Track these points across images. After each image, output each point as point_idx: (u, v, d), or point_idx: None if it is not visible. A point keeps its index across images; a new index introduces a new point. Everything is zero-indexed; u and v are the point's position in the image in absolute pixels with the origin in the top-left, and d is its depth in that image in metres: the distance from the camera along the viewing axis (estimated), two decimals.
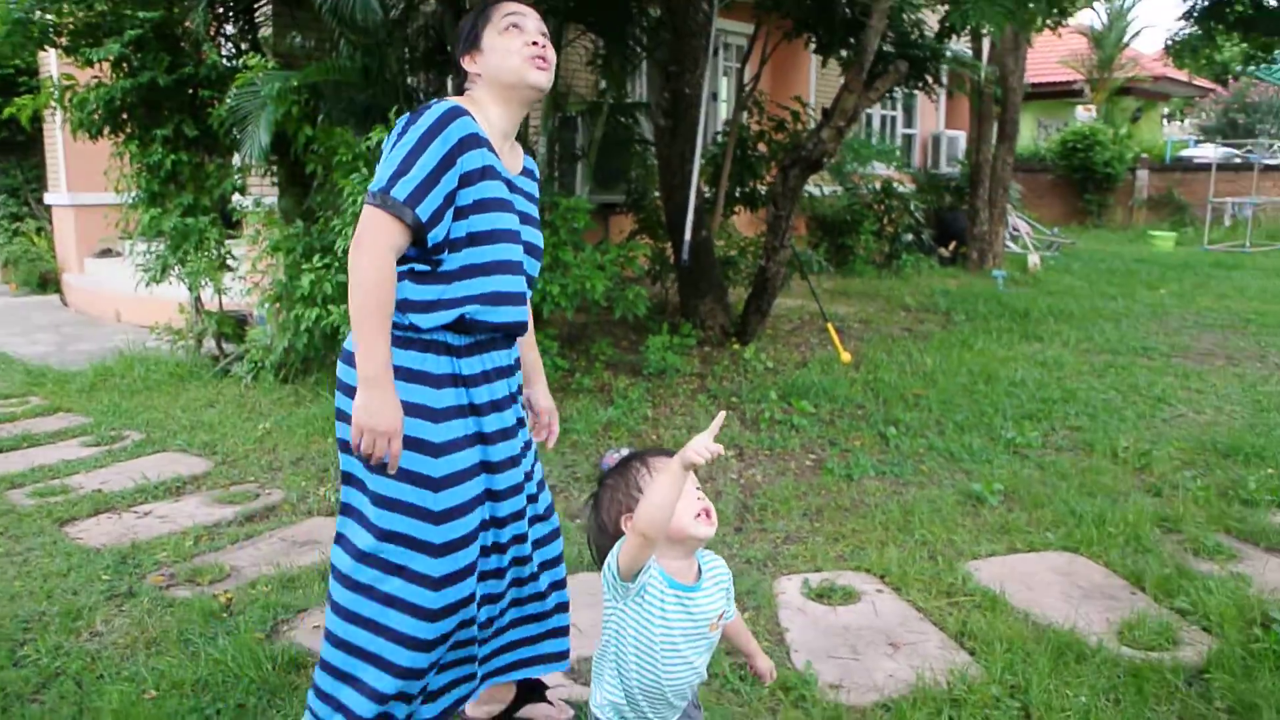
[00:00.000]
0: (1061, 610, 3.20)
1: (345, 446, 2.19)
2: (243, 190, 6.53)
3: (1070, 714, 2.59)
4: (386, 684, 2.15)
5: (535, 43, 2.22)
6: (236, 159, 6.40)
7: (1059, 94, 22.09)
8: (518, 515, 2.31)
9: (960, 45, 12.30)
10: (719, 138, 8.87)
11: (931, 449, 5.01)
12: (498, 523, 2.28)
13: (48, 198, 10.55)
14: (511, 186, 2.26)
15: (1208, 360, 7.27)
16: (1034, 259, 12.38)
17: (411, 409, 2.13)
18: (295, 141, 5.52)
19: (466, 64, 2.27)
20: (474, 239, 2.15)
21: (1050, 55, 20.85)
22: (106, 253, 10.25)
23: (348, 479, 2.24)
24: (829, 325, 7.20)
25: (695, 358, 6.87)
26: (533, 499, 2.40)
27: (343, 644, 2.19)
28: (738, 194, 8.41)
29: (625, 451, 4.52)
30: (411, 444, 2.13)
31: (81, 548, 3.82)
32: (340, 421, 2.20)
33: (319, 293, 5.43)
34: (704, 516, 1.87)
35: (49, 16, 5.83)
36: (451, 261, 2.15)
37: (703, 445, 1.70)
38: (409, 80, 6.65)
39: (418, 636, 2.14)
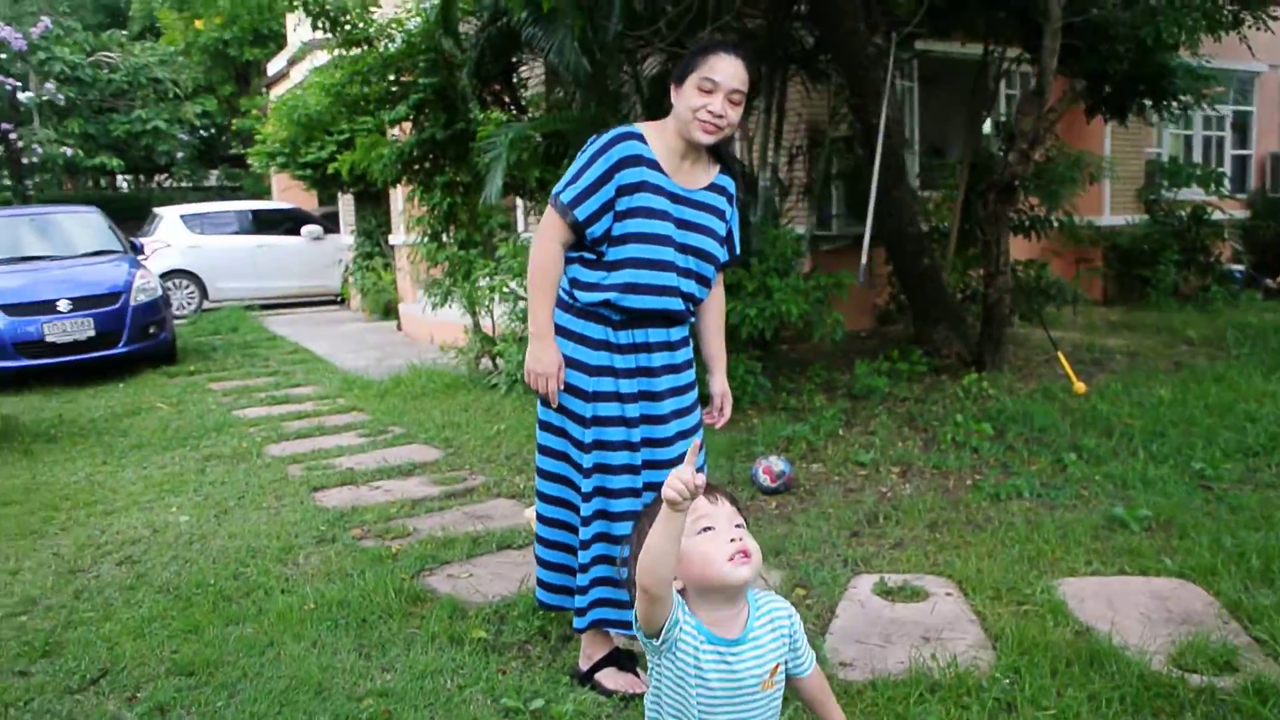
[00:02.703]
0: (1127, 628, 3.17)
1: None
2: (507, 226, 7.56)
3: (1049, 711, 2.66)
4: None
5: (714, 109, 2.67)
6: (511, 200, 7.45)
7: None
8: (650, 465, 2.85)
9: None
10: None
11: (1107, 476, 4.85)
12: (632, 469, 2.84)
13: (391, 239, 12.50)
14: (677, 198, 2.79)
15: None
16: None
17: (571, 362, 2.81)
18: (528, 182, 6.41)
19: (672, 91, 2.78)
20: (626, 238, 2.74)
21: None
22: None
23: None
24: (1059, 355, 6.98)
25: (918, 384, 6.95)
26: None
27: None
28: None
29: (777, 461, 4.87)
30: (570, 389, 2.81)
31: (318, 507, 4.81)
32: None
33: None
34: (740, 558, 1.66)
35: (356, 89, 7.20)
36: (611, 254, 2.76)
37: (676, 479, 1.54)
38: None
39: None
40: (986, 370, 7.15)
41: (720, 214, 2.88)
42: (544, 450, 2.93)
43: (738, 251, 3.01)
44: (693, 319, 2.98)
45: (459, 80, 6.86)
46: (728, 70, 2.68)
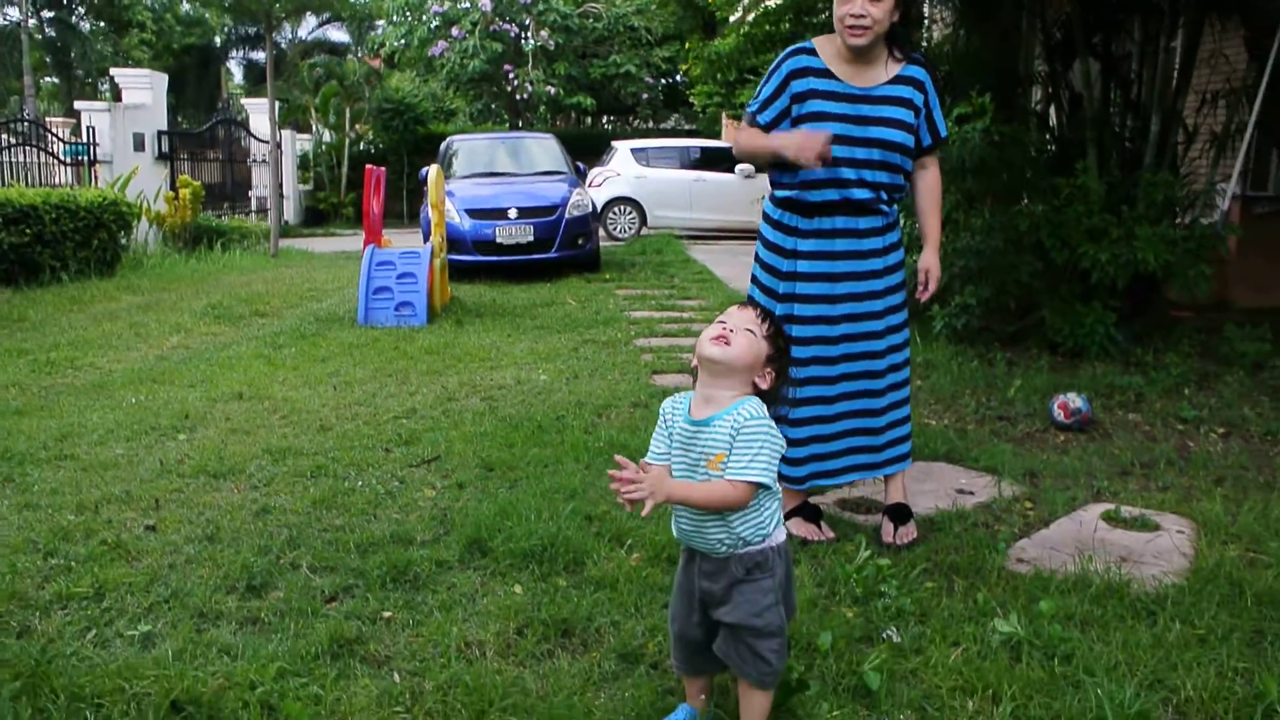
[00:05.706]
0: None
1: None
2: None
3: (1196, 630, 2.65)
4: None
5: (854, 11, 3.03)
6: None
7: None
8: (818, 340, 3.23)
9: None
10: None
11: None
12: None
13: None
14: (854, 98, 3.12)
15: None
16: None
17: (771, 245, 3.30)
18: None
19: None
20: None
21: None
22: None
23: None
24: None
25: None
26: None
27: None
28: None
29: (1075, 399, 4.95)
30: (768, 268, 3.30)
31: (649, 384, 5.63)
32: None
33: None
34: (719, 340, 1.98)
35: (761, 29, 7.83)
36: None
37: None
38: (1039, 66, 7.26)
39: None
40: None
41: (906, 103, 3.14)
42: None
43: (942, 133, 3.25)
44: (889, 207, 3.25)
45: None
46: None
